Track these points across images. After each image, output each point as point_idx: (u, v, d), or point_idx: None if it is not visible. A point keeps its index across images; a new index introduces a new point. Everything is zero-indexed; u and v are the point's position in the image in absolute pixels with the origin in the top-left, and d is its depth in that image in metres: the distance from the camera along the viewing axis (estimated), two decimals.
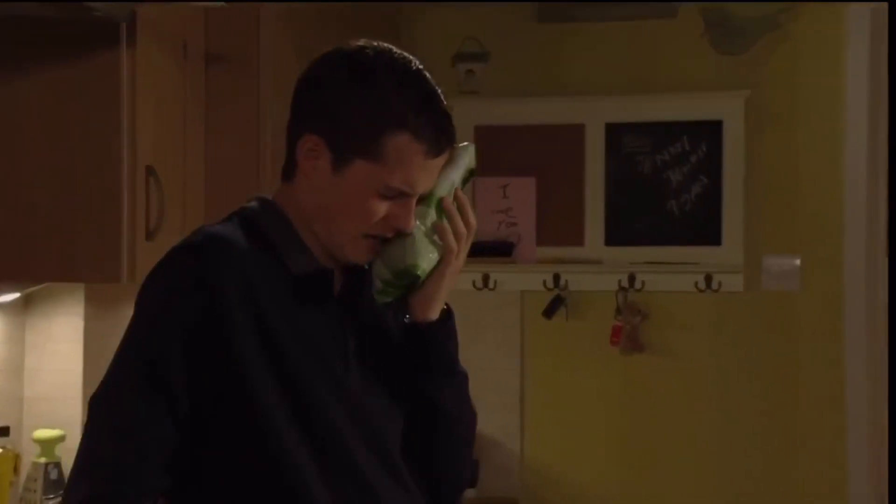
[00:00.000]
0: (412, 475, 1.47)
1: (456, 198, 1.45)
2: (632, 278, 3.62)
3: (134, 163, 2.08)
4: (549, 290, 3.66)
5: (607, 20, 3.68)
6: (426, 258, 1.43)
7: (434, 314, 1.46)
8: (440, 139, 1.37)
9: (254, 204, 1.45)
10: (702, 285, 3.58)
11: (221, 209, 2.41)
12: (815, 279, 3.56)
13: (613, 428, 3.67)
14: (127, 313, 2.69)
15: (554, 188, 3.67)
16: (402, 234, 1.41)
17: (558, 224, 3.66)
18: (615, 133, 3.67)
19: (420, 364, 1.46)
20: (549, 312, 3.65)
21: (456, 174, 1.45)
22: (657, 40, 3.67)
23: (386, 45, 1.40)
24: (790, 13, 3.57)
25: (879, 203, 3.59)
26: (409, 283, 1.44)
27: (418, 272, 1.42)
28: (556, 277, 3.66)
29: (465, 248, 1.46)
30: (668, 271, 3.60)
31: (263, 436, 1.32)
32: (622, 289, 3.63)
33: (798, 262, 3.57)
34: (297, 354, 1.35)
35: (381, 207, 1.38)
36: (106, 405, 1.34)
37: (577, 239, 3.67)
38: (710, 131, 3.61)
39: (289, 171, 1.43)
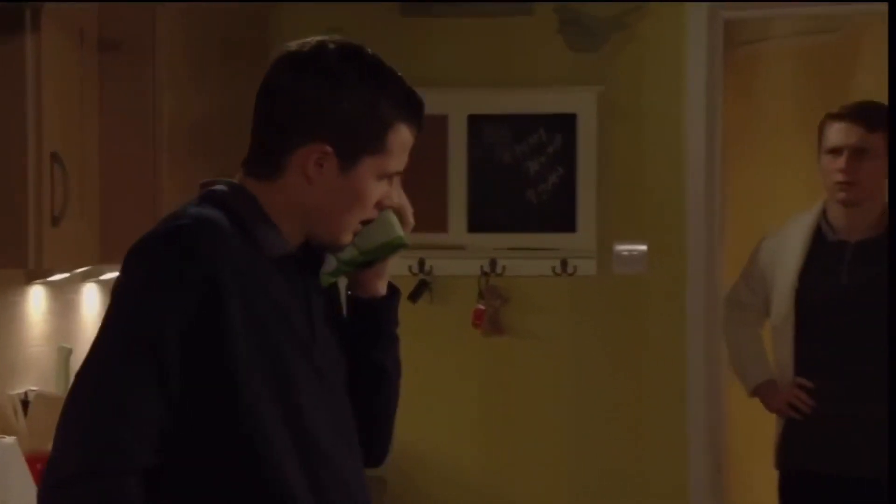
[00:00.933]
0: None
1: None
2: (493, 263, 3.78)
3: (39, 149, 2.10)
4: (414, 274, 3.78)
5: (467, 16, 3.83)
6: (403, 231, 1.55)
7: (384, 290, 1.58)
8: (420, 117, 1.51)
9: (222, 188, 1.48)
10: (558, 270, 3.78)
11: (117, 196, 2.45)
12: (661, 264, 3.81)
13: (476, 407, 3.83)
14: (13, 300, 2.67)
15: (418, 177, 3.68)
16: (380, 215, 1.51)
17: (423, 211, 3.64)
18: (477, 124, 3.81)
19: (371, 334, 1.57)
20: (414, 297, 3.77)
21: None
22: (515, 37, 3.83)
23: (347, 41, 1.49)
24: (637, 14, 3.80)
25: (716, 194, 3.89)
26: (385, 257, 1.55)
27: (406, 241, 1.55)
28: (421, 263, 3.79)
29: None
30: (526, 257, 3.78)
31: (245, 420, 1.37)
32: (484, 273, 3.78)
33: (645, 248, 3.81)
34: (278, 336, 1.42)
35: (380, 190, 1.49)
36: (97, 379, 1.34)
37: (440, 226, 3.80)
38: (566, 124, 3.80)
39: (268, 170, 1.47)
